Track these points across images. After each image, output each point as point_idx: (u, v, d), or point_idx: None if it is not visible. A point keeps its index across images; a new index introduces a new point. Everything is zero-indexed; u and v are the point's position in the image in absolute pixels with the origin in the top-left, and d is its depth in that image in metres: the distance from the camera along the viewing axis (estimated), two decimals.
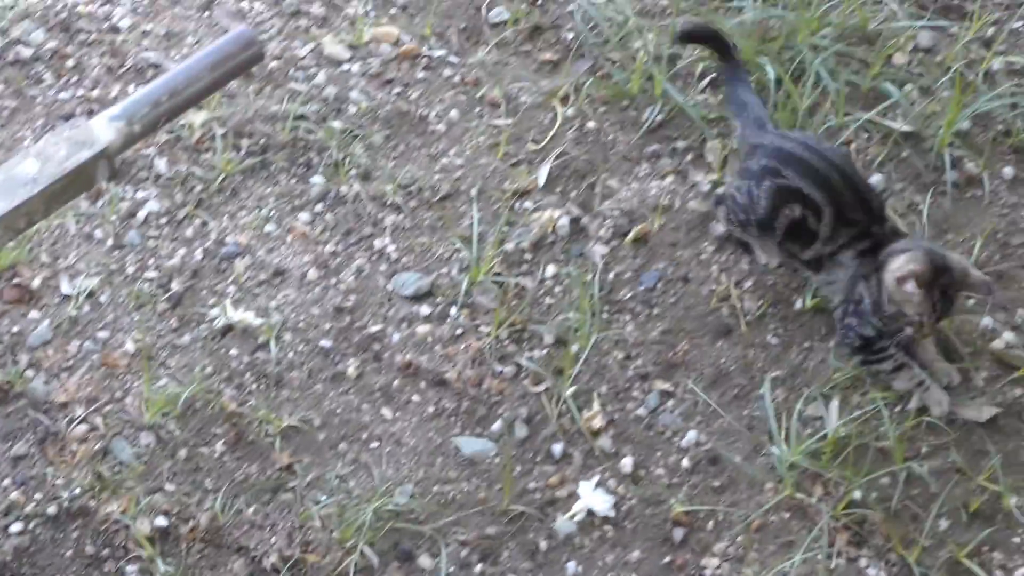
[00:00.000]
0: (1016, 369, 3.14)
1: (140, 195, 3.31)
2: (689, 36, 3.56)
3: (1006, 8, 3.92)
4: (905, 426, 3.02)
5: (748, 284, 3.26)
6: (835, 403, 3.05)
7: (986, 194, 3.47)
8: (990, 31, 3.84)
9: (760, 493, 2.95)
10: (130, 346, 3.08)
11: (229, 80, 2.47)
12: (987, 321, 3.20)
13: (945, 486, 2.96)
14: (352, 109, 3.50)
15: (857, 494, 2.92)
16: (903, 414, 3.05)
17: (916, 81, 3.69)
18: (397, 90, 3.56)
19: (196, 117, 3.41)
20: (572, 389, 3.05)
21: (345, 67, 3.60)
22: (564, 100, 3.60)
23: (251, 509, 2.85)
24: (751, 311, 3.21)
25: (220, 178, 3.33)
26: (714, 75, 3.66)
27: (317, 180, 3.35)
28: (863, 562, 2.86)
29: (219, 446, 2.93)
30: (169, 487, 2.87)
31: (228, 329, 3.10)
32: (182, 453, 2.91)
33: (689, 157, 3.51)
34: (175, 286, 3.15)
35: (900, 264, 2.93)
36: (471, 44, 3.72)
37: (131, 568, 2.78)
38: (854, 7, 3.76)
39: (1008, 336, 3.20)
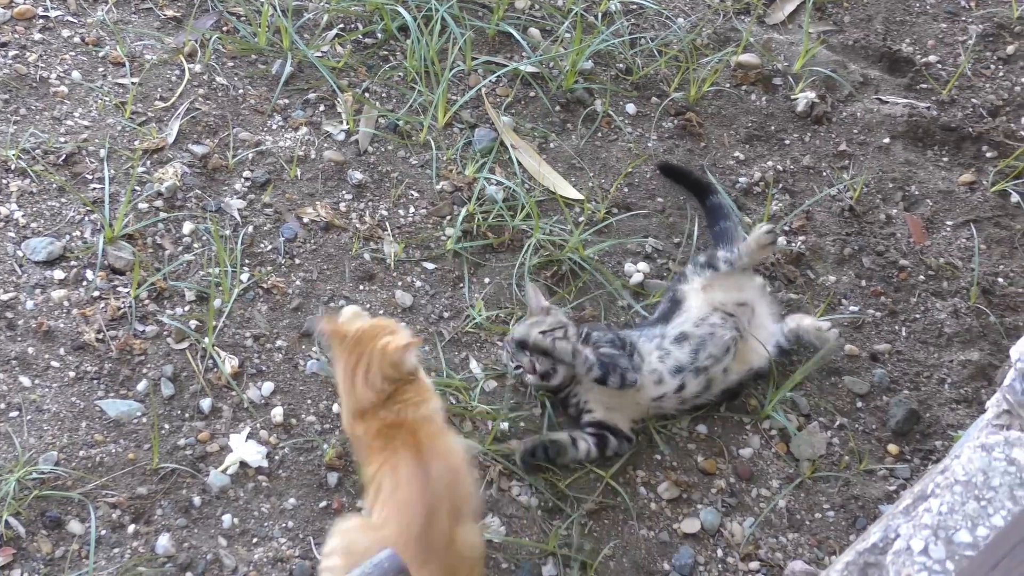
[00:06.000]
0: (648, 295, 3.27)
1: None
2: (669, 172, 3.53)
3: None
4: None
5: (388, 230, 3.28)
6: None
7: (611, 129, 3.59)
8: None
9: None
10: None
11: None
12: (628, 267, 3.32)
13: None
14: None
15: (504, 425, 2.98)
16: None
17: (539, 24, 3.78)
18: (14, 52, 3.43)
19: None
20: (216, 344, 3.01)
21: None
22: (191, 56, 3.54)
23: None
24: (391, 255, 3.23)
25: None
26: (341, 26, 3.67)
27: None
28: (516, 491, 2.92)
29: None
30: None
31: None
32: None
33: (322, 108, 3.50)
34: None
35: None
36: (89, 3, 3.61)
37: None
38: None
39: (642, 266, 3.32)
